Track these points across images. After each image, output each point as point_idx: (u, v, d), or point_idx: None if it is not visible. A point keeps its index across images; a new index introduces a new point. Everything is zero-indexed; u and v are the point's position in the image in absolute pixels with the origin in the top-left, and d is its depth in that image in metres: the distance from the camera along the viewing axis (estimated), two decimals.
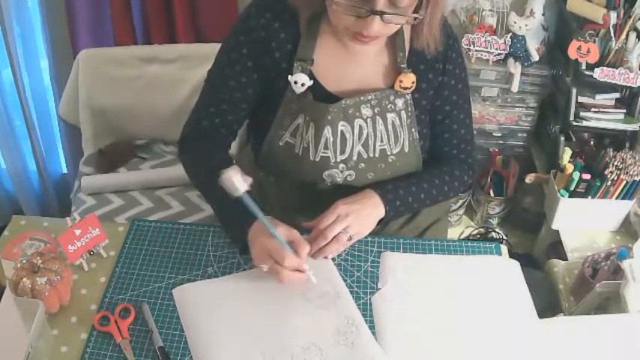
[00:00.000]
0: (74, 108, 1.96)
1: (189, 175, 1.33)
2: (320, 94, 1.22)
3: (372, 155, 1.26)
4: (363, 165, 1.26)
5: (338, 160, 1.24)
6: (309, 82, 1.19)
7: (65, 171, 2.41)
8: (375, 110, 1.23)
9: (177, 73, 1.93)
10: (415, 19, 1.09)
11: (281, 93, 1.23)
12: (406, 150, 1.28)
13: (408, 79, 1.22)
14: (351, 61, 1.23)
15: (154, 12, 1.96)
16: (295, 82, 1.19)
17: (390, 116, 1.25)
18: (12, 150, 2.17)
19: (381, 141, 1.26)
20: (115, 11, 1.94)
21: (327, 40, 1.21)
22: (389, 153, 1.27)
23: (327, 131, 1.21)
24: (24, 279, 1.05)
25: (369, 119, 1.23)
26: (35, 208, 2.35)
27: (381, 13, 1.04)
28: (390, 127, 1.25)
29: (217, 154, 1.30)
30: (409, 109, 1.26)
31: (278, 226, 1.12)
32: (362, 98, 1.22)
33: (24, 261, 1.09)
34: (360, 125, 1.23)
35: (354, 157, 1.25)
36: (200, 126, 1.30)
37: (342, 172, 1.26)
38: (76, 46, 1.98)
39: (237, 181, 1.06)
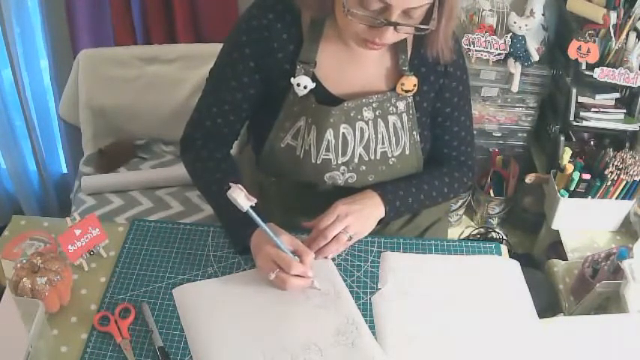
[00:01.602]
0: (74, 108, 1.96)
1: (190, 174, 1.33)
2: (322, 97, 1.22)
3: (373, 157, 1.26)
4: (364, 167, 1.26)
5: (339, 162, 1.24)
6: (311, 85, 1.19)
7: (65, 171, 2.41)
8: (377, 113, 1.23)
9: (177, 73, 1.93)
10: (426, 29, 1.09)
11: (283, 95, 1.23)
12: (407, 152, 1.29)
13: (410, 82, 1.22)
14: (353, 64, 1.23)
15: (154, 12, 1.96)
16: (298, 85, 1.19)
17: (392, 119, 1.25)
18: (12, 150, 2.17)
19: (382, 143, 1.26)
20: (115, 11, 1.94)
21: (329, 43, 1.21)
22: (390, 155, 1.27)
23: (329, 134, 1.21)
24: (24, 279, 1.05)
25: (370, 121, 1.23)
26: (35, 208, 2.35)
27: (396, 24, 1.05)
28: (391, 129, 1.25)
29: (219, 155, 1.30)
30: (410, 111, 1.26)
31: (281, 235, 1.13)
32: (364, 101, 1.22)
33: (24, 261, 1.09)
34: (361, 127, 1.23)
35: (356, 160, 1.25)
36: (202, 126, 1.30)
37: (343, 174, 1.26)
38: (76, 46, 1.98)
39: (241, 201, 1.07)
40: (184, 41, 1.98)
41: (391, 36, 1.08)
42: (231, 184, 1.08)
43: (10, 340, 0.92)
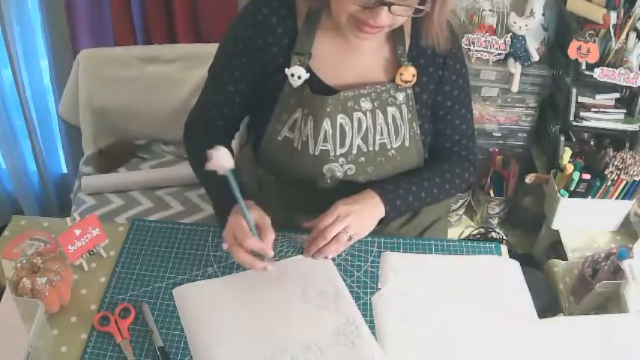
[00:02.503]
0: (74, 108, 1.96)
1: (190, 163, 1.36)
2: (319, 88, 1.22)
3: (371, 149, 1.26)
4: (362, 159, 1.26)
5: (338, 153, 1.24)
6: (305, 75, 1.20)
7: (65, 171, 2.41)
8: (375, 104, 1.23)
9: (177, 73, 1.93)
10: (421, 11, 1.09)
11: (279, 88, 1.23)
12: (407, 144, 1.28)
13: (409, 73, 1.22)
14: (350, 55, 1.23)
15: (154, 12, 1.96)
16: (292, 75, 1.19)
17: (391, 110, 1.25)
18: (12, 150, 2.17)
19: (381, 135, 1.25)
20: (115, 11, 1.94)
21: (325, 35, 1.22)
22: (389, 147, 1.27)
23: (326, 124, 1.22)
24: (24, 279, 1.05)
25: (368, 112, 1.23)
26: (35, 208, 2.35)
27: (390, 4, 1.06)
28: (390, 120, 1.25)
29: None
30: (410, 103, 1.26)
31: (252, 210, 1.13)
32: (361, 91, 1.22)
33: (24, 261, 1.09)
34: (359, 118, 1.23)
35: (354, 151, 1.25)
36: (200, 117, 1.34)
37: (341, 165, 1.26)
38: (76, 46, 1.98)
39: (223, 160, 1.03)
40: (184, 41, 1.99)
41: (385, 18, 1.08)
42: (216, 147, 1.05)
43: (10, 340, 0.92)
